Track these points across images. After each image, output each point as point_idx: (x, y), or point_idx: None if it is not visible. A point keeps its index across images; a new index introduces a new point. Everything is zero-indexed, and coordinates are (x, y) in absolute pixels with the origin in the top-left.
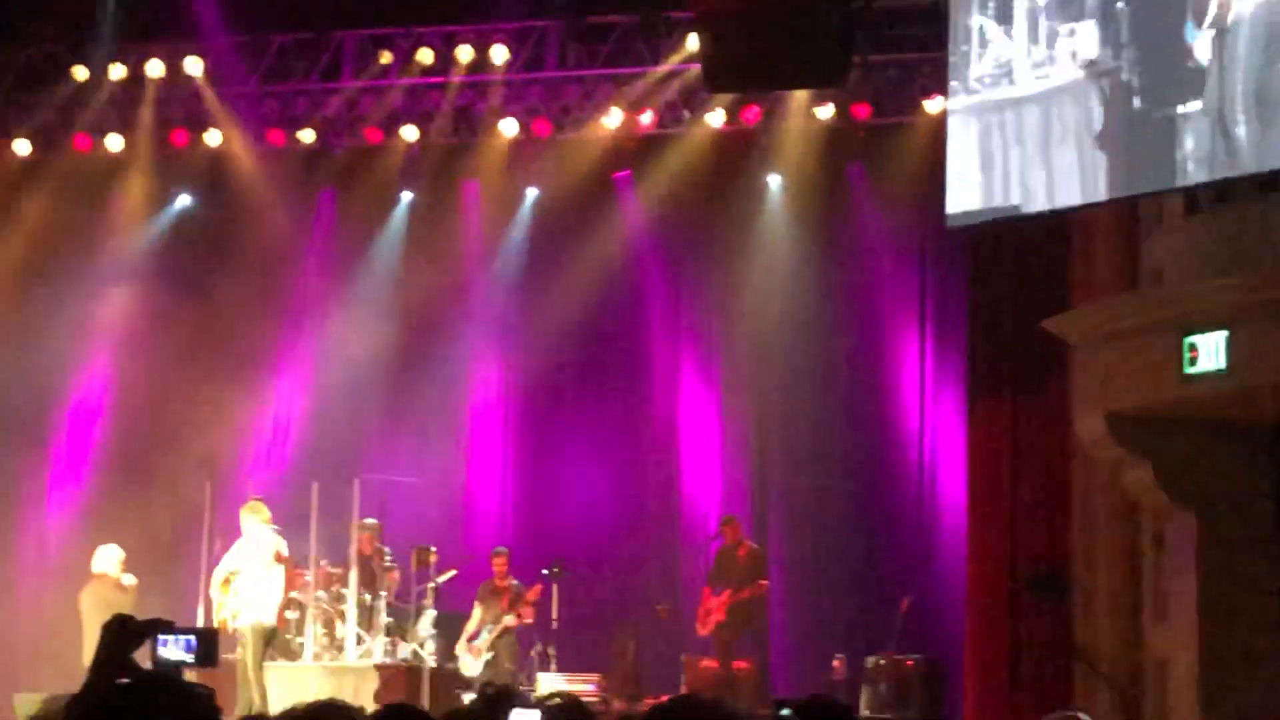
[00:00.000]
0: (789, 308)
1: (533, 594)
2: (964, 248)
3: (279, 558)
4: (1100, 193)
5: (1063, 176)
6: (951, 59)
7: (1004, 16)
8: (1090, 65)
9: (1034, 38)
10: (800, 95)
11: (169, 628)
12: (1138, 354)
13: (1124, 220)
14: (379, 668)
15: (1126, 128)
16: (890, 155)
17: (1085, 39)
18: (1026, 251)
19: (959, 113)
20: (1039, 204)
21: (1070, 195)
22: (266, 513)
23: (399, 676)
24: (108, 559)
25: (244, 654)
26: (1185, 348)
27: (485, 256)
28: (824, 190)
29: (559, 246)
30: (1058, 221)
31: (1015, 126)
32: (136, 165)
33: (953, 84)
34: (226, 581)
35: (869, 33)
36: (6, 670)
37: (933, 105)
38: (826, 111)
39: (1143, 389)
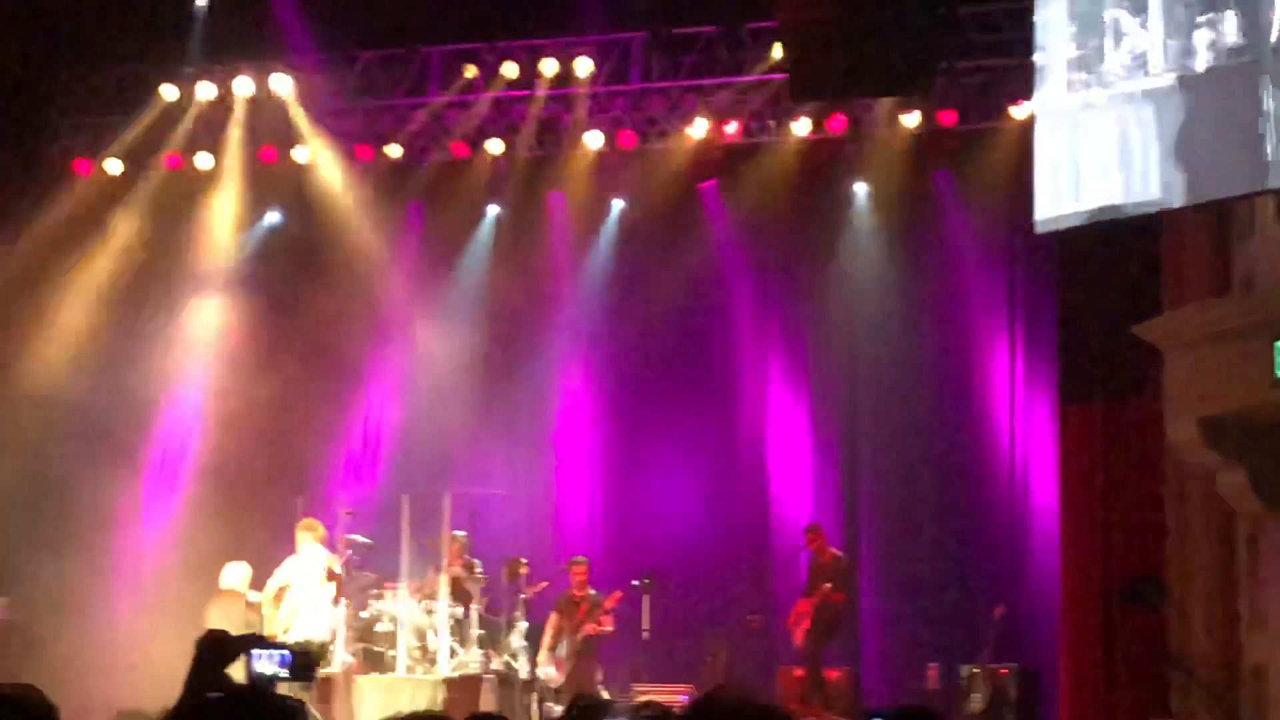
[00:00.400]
0: (877, 316)
1: (611, 601)
2: (1052, 253)
3: (331, 575)
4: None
5: (1205, 169)
6: (1080, 52)
7: (1139, 7)
8: (1222, 56)
9: (1170, 29)
10: (886, 103)
11: (263, 643)
12: (1230, 359)
13: (1215, 223)
14: (471, 679)
15: (1213, 129)
16: (977, 161)
17: (1223, 28)
18: (1116, 256)
19: (1095, 107)
20: (1179, 198)
21: (1215, 188)
22: (322, 530)
23: (491, 688)
24: (236, 576)
25: None
26: (1277, 352)
27: (571, 268)
28: (910, 198)
29: (645, 257)
30: (1147, 225)
31: (1154, 120)
32: (226, 183)
33: (1083, 76)
34: (278, 596)
35: (954, 39)
36: (104, 687)
37: (1019, 110)
38: (912, 119)
39: (1235, 394)
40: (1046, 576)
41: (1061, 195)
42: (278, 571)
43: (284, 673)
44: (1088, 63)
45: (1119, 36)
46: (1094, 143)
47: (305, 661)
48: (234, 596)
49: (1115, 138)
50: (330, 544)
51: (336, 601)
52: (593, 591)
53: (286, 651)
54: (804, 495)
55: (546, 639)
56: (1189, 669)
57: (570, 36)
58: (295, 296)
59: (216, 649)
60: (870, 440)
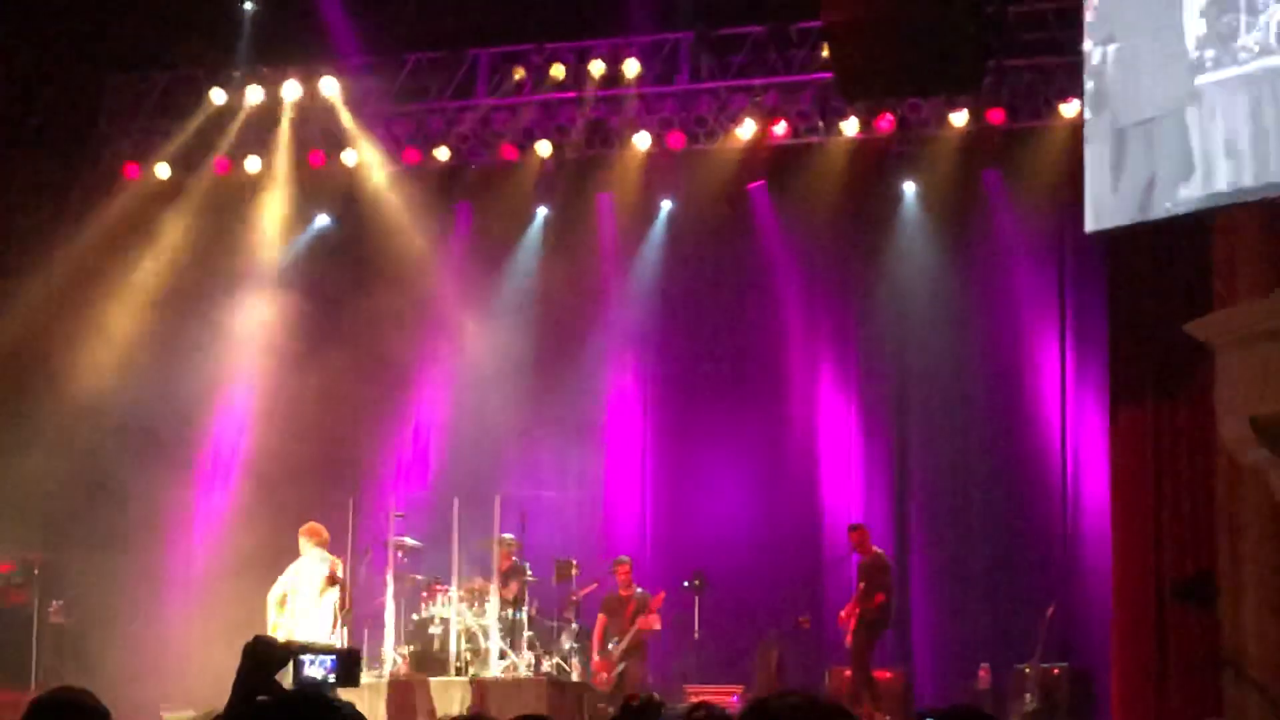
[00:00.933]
0: (926, 316)
1: (657, 601)
2: (1102, 251)
3: (332, 580)
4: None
5: None
6: (1210, 31)
7: None
8: None
9: None
10: (934, 102)
11: (311, 648)
12: None
13: (1268, 220)
14: (522, 681)
15: None
16: (1026, 160)
17: None
18: (1166, 252)
19: (1224, 86)
20: None
21: None
22: (324, 535)
23: (542, 690)
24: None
25: None
26: None
27: (621, 269)
28: (960, 196)
29: (694, 258)
30: (1198, 221)
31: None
32: (274, 186)
33: (1212, 54)
34: (281, 602)
35: (1003, 37)
36: (155, 687)
37: (1067, 108)
38: (961, 118)
39: None
40: (1098, 576)
41: (1171, 183)
42: (281, 578)
43: (331, 677)
44: (1219, 39)
45: (1255, 11)
46: (1220, 124)
47: (352, 666)
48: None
49: (1245, 116)
50: (329, 548)
51: (344, 606)
52: (639, 590)
53: (333, 656)
54: (854, 495)
55: (595, 641)
56: (1241, 669)
57: (618, 37)
58: (344, 299)
59: (264, 653)
60: (920, 440)
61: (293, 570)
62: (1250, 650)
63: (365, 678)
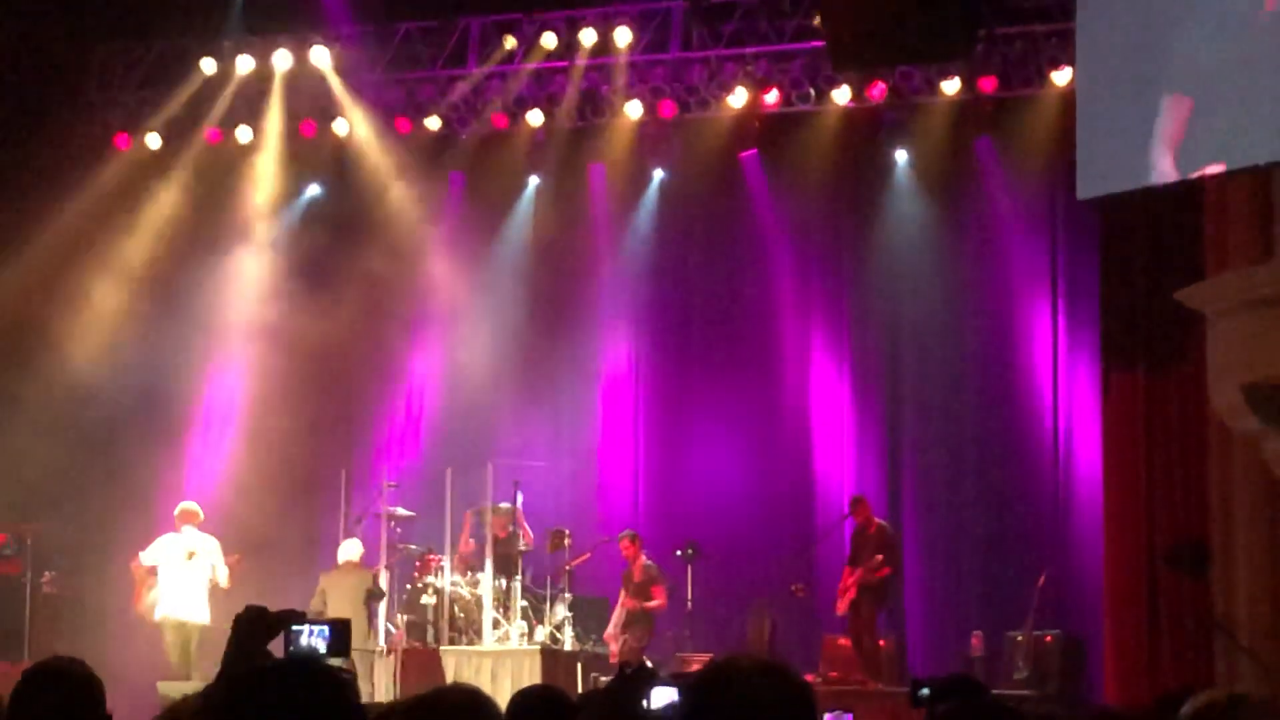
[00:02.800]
0: (919, 284)
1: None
2: (1094, 219)
3: (191, 555)
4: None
5: None
6: None
7: None
8: None
9: None
10: (926, 70)
11: (302, 619)
12: (1273, 324)
13: (1258, 189)
14: (517, 651)
15: None
16: (1017, 128)
17: None
18: (1158, 221)
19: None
20: None
21: None
22: (199, 517)
23: (536, 659)
24: (355, 549)
25: (169, 644)
26: None
27: (612, 238)
28: (952, 165)
29: (686, 227)
30: (1190, 189)
31: None
32: (265, 156)
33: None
34: (151, 571)
35: (994, 5)
36: (149, 658)
37: (1060, 76)
38: (952, 86)
39: (1279, 359)
40: (1090, 544)
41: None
42: (151, 548)
43: (323, 647)
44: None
45: None
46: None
47: (344, 636)
48: (357, 568)
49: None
50: (205, 527)
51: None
52: (647, 563)
53: (326, 627)
54: (847, 464)
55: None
56: (1233, 635)
57: (609, 6)
58: (336, 269)
59: (257, 624)
60: (912, 408)
61: (160, 543)
62: (1242, 617)
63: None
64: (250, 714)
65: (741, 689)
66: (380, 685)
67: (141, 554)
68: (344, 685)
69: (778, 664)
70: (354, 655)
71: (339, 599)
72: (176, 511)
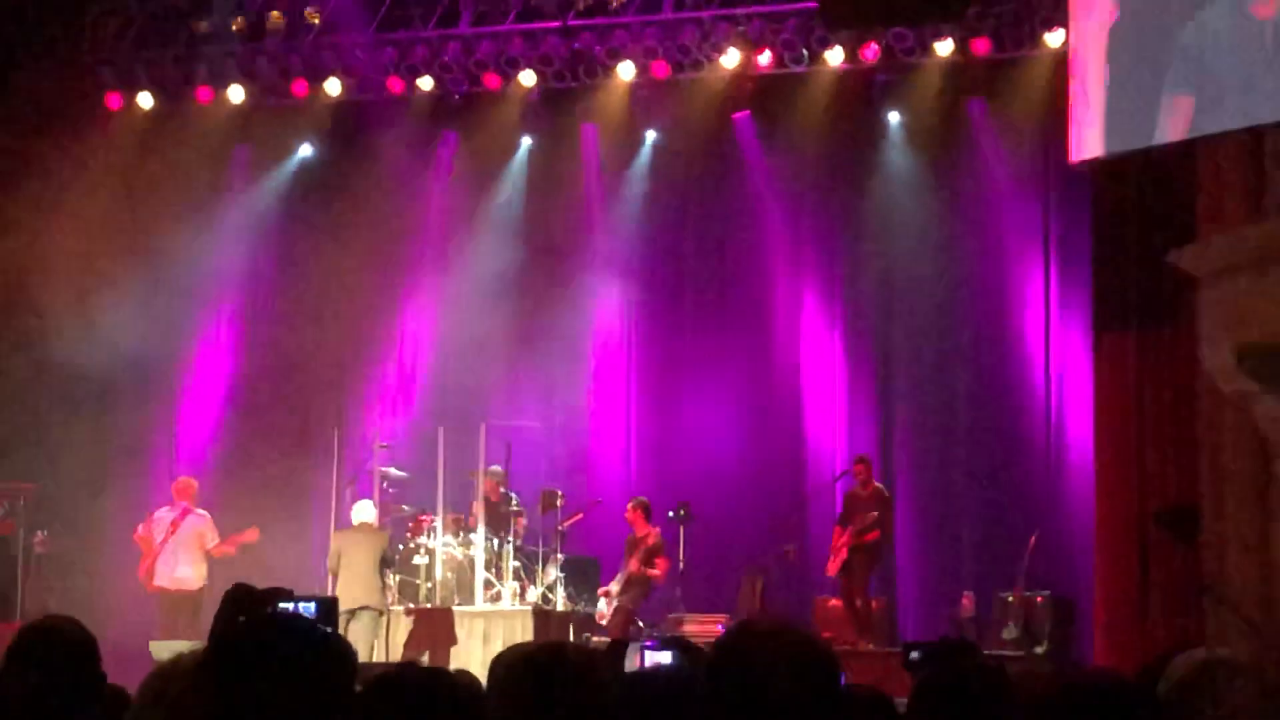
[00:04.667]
0: (911, 245)
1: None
2: (1087, 181)
3: (174, 525)
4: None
5: None
6: None
7: None
8: None
9: None
10: (920, 31)
11: (289, 595)
12: (1265, 286)
13: (1251, 149)
14: (508, 611)
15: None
16: (1010, 90)
17: None
18: (1151, 183)
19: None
20: None
21: None
22: (194, 489)
23: (528, 619)
24: (370, 510)
25: (164, 612)
26: None
27: (605, 199)
28: (944, 127)
29: (679, 188)
30: (1183, 151)
31: None
32: (258, 116)
33: None
34: (152, 542)
35: None
36: (142, 618)
37: (1053, 38)
38: (945, 47)
39: (1271, 321)
40: (1081, 505)
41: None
42: (149, 522)
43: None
44: None
45: None
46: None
47: (331, 612)
48: (373, 530)
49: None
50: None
51: (218, 552)
52: (658, 534)
53: (312, 604)
54: (838, 426)
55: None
56: (1223, 597)
57: None
58: (328, 229)
59: (245, 600)
60: (904, 370)
61: (161, 516)
62: (1232, 577)
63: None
64: (234, 670)
65: (764, 660)
66: (392, 645)
67: (141, 527)
68: (328, 639)
69: (801, 632)
70: (367, 615)
71: (356, 558)
72: (174, 486)
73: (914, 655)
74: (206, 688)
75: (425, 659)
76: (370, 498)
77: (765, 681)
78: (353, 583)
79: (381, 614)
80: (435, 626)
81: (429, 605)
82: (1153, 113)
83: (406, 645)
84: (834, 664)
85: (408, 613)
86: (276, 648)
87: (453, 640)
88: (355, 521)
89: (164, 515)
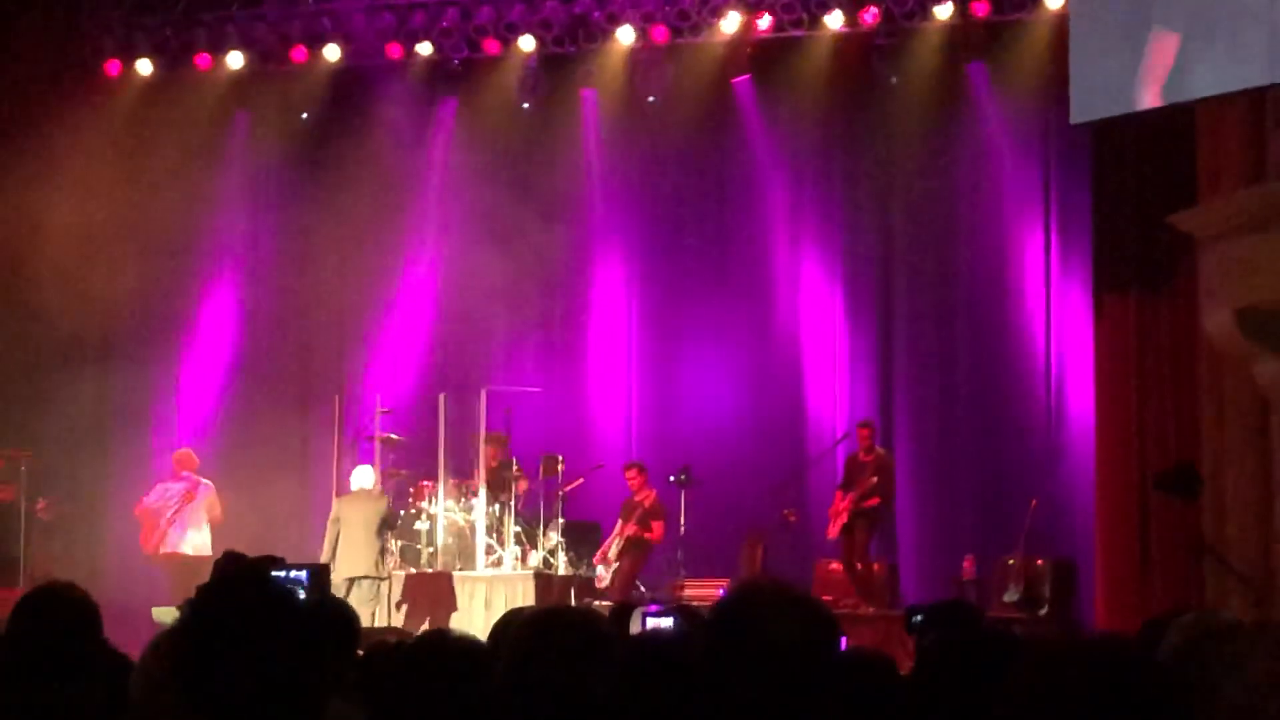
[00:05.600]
0: (911, 209)
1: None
2: (1087, 144)
3: (187, 496)
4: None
5: None
6: None
7: None
8: None
9: None
10: None
11: (281, 564)
12: (1266, 248)
13: (1250, 112)
14: (509, 576)
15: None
16: (1010, 53)
17: None
18: (1151, 145)
19: None
20: None
21: None
22: (195, 462)
23: (530, 584)
24: (368, 476)
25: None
26: None
27: (605, 164)
28: (944, 90)
29: (679, 153)
30: (1183, 114)
31: None
32: (257, 83)
33: None
34: (155, 512)
35: None
36: (143, 584)
37: (1052, 0)
38: (945, 10)
39: (1272, 283)
40: (1082, 467)
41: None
42: (151, 496)
43: (301, 593)
44: None
45: None
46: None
47: (322, 580)
48: (371, 495)
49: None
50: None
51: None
52: (655, 496)
53: (304, 572)
54: (840, 389)
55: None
56: (1223, 559)
57: None
58: (328, 196)
59: (234, 567)
60: (904, 333)
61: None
62: (1232, 541)
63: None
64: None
65: (765, 621)
66: (392, 610)
67: (145, 499)
68: (286, 594)
69: (801, 594)
70: (365, 582)
71: (354, 524)
72: (174, 457)
73: (917, 618)
74: (180, 652)
75: (426, 624)
76: (370, 463)
77: (764, 639)
78: (351, 550)
79: (382, 580)
80: (435, 591)
81: (430, 570)
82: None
83: (407, 611)
84: (833, 624)
85: (408, 578)
86: (254, 611)
87: (453, 605)
88: (354, 487)
89: (174, 487)
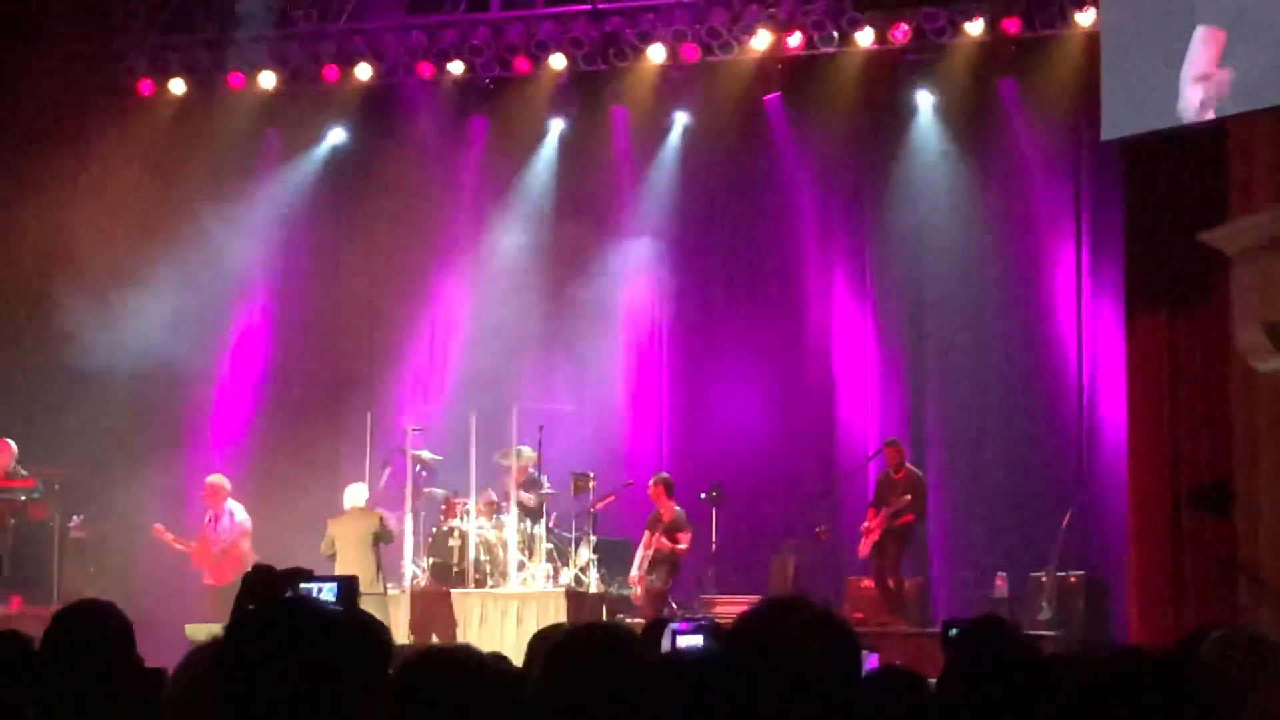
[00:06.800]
0: (941, 227)
1: (684, 535)
2: (1118, 161)
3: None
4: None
5: None
6: None
7: None
8: None
9: None
10: (950, 11)
11: (310, 576)
12: None
13: None
14: (541, 593)
15: None
16: (1041, 69)
17: None
18: (1182, 162)
19: None
20: None
21: None
22: (226, 489)
23: (561, 601)
24: (361, 493)
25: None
26: None
27: (635, 182)
28: (975, 107)
29: (709, 171)
30: (1214, 130)
31: None
32: (289, 102)
33: None
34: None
35: None
36: (177, 602)
37: (1084, 17)
38: (976, 27)
39: None
40: (1114, 484)
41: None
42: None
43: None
44: None
45: None
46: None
47: (352, 593)
48: (363, 513)
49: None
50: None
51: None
52: (678, 509)
53: (334, 584)
54: (871, 406)
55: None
56: (1256, 577)
57: None
58: (360, 215)
59: (266, 581)
60: (936, 350)
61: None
62: (1265, 558)
63: (391, 589)
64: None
65: (786, 638)
66: (393, 628)
67: (199, 535)
68: (336, 620)
69: (824, 611)
70: (362, 600)
71: (346, 544)
72: (206, 486)
73: (953, 633)
74: (223, 672)
75: (433, 640)
76: (401, 480)
77: (784, 652)
78: (346, 569)
79: (378, 597)
80: (432, 608)
81: (439, 587)
82: (1182, 92)
83: (409, 628)
84: (853, 638)
85: (413, 596)
86: (292, 629)
87: (452, 623)
88: (346, 506)
89: (225, 524)
